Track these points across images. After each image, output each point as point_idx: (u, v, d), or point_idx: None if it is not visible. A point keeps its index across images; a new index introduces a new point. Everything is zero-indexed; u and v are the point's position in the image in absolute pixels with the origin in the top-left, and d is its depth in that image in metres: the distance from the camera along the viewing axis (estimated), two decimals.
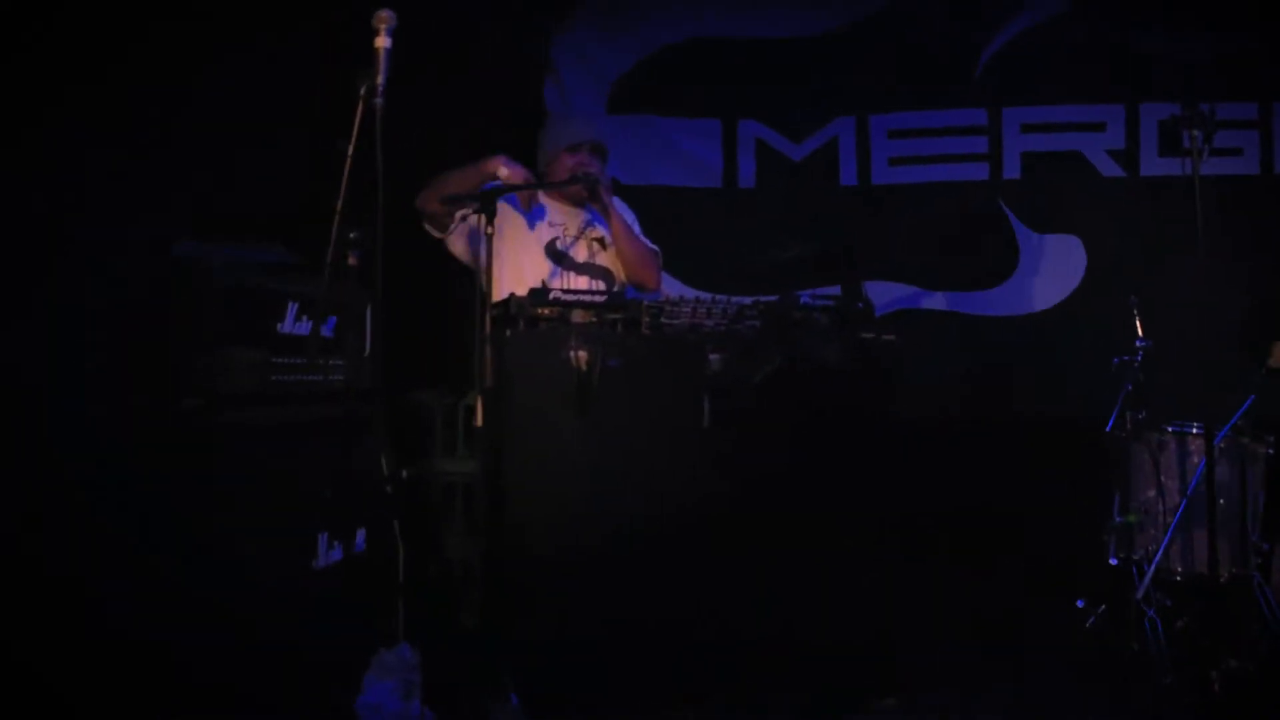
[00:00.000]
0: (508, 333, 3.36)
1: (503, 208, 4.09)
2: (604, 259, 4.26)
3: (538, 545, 3.33)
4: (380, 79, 2.86)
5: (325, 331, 3.18)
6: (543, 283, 3.97)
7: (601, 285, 4.19)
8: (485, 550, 3.37)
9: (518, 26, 5.29)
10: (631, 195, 4.63)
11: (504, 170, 3.90)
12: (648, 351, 3.46)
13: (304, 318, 3.10)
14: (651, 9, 5.54)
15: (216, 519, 2.70)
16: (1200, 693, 3.72)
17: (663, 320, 3.55)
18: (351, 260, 3.14)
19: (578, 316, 3.49)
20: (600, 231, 4.27)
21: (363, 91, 2.84)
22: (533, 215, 4.14)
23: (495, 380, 3.27)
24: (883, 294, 5.38)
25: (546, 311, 3.48)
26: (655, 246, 4.33)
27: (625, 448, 3.39)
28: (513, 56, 5.27)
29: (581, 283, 4.17)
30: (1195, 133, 3.89)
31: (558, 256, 4.17)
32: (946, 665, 4.02)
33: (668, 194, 5.47)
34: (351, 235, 3.07)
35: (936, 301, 5.44)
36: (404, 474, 3.26)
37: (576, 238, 4.23)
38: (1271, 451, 4.32)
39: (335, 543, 3.25)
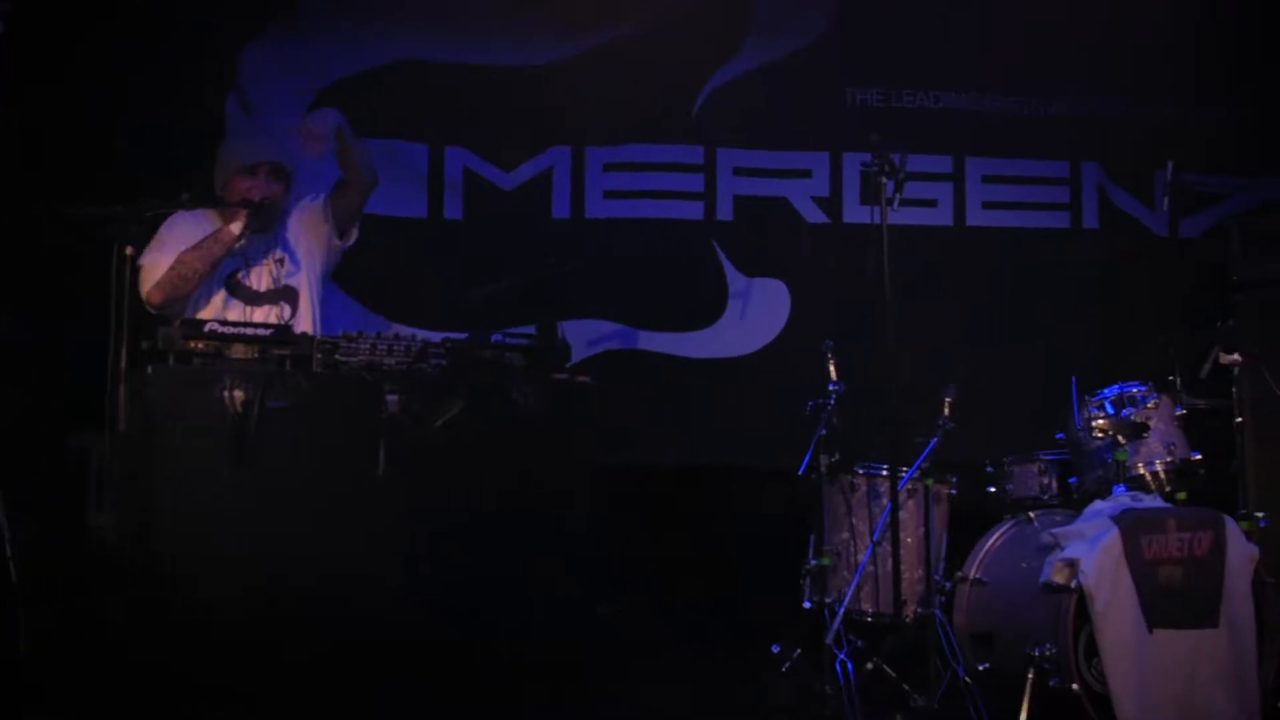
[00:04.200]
0: (149, 369, 2.98)
1: (182, 238, 3.76)
2: (292, 279, 3.95)
3: (186, 612, 2.95)
4: None
5: None
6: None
7: (286, 307, 3.88)
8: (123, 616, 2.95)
9: (198, 36, 4.87)
10: None
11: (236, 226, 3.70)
12: (316, 391, 3.15)
13: None
14: (360, 26, 5.23)
15: None
16: None
17: (338, 357, 3.27)
18: None
19: (238, 351, 3.15)
20: (282, 254, 3.95)
21: None
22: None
23: (132, 423, 2.89)
24: (593, 332, 5.25)
25: (201, 345, 3.13)
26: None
27: (289, 499, 3.07)
28: (192, 68, 4.85)
29: (260, 314, 3.84)
30: (885, 181, 4.00)
31: (237, 289, 3.85)
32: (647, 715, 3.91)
33: (373, 223, 5.14)
34: None
35: (647, 342, 5.34)
36: None
37: (257, 265, 3.91)
38: (954, 492, 4.48)
39: None
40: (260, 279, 3.89)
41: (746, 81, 5.47)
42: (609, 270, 5.30)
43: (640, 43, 5.32)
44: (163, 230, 3.76)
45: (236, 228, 3.71)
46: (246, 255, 3.88)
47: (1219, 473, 4.47)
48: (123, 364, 2.86)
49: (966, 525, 4.42)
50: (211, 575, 3.00)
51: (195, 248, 3.70)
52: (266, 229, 3.89)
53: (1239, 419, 4.53)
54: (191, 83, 4.82)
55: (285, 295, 3.92)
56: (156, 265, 3.69)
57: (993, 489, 4.45)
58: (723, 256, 5.45)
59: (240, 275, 3.86)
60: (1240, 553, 3.71)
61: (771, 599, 4.65)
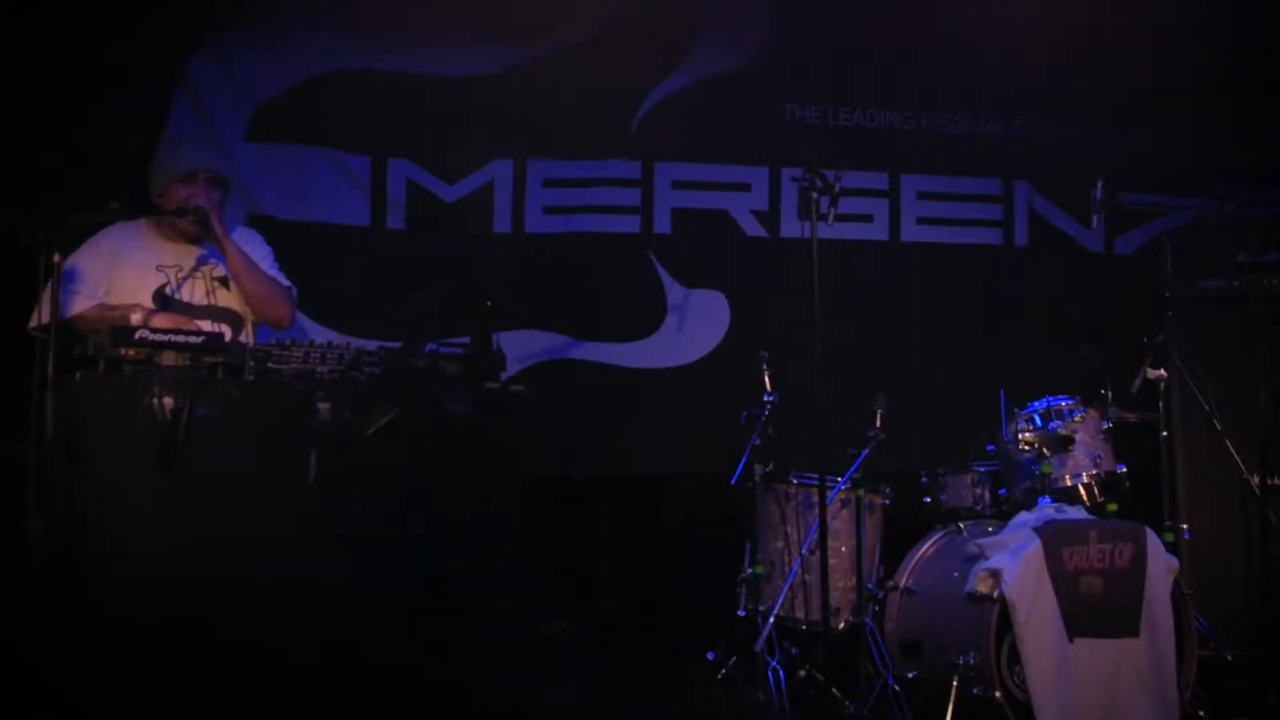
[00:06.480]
0: (77, 376, 2.96)
1: (116, 247, 3.76)
2: (226, 299, 3.92)
3: (110, 618, 2.93)
4: None
5: None
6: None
7: (225, 328, 3.85)
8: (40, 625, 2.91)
9: (148, 39, 4.83)
10: (284, 231, 4.43)
11: (137, 316, 3.49)
12: (248, 399, 3.13)
13: None
14: (309, 34, 5.22)
15: None
16: None
17: (270, 365, 3.24)
18: None
19: (168, 359, 3.13)
20: (220, 269, 3.93)
21: None
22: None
23: (60, 429, 2.86)
24: (533, 343, 5.28)
25: (132, 353, 3.10)
26: (288, 283, 4.03)
27: (219, 506, 3.05)
28: (140, 71, 4.81)
29: (200, 328, 3.80)
30: (818, 196, 4.06)
31: (167, 303, 3.80)
32: None
33: (316, 230, 5.15)
34: None
35: (585, 352, 5.40)
36: None
37: (189, 277, 3.88)
38: (888, 502, 4.55)
39: None
40: (193, 291, 3.86)
41: (687, 95, 5.54)
42: (547, 282, 5.34)
43: (581, 55, 5.36)
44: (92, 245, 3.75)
45: (138, 317, 3.51)
46: (177, 267, 3.85)
47: (1148, 485, 4.59)
48: (51, 370, 2.83)
49: (904, 534, 4.49)
50: (142, 583, 2.97)
51: (99, 312, 3.66)
52: (201, 238, 3.87)
53: (1165, 433, 4.63)
54: (131, 94, 4.78)
55: (226, 316, 3.89)
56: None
57: (928, 498, 4.52)
58: (660, 268, 5.51)
59: (168, 289, 3.82)
60: (1160, 564, 3.80)
61: (706, 607, 4.69)
